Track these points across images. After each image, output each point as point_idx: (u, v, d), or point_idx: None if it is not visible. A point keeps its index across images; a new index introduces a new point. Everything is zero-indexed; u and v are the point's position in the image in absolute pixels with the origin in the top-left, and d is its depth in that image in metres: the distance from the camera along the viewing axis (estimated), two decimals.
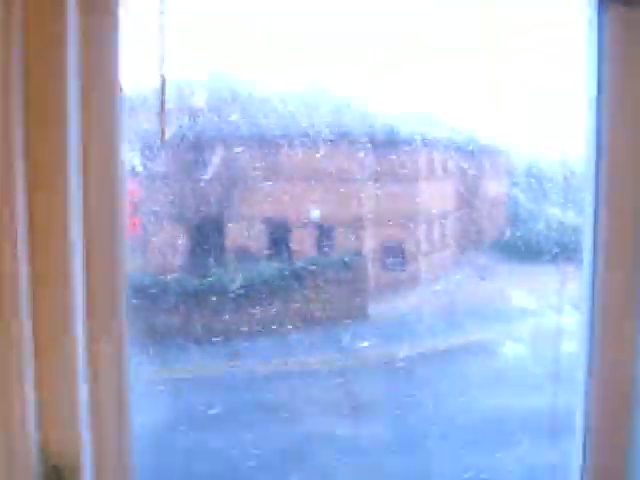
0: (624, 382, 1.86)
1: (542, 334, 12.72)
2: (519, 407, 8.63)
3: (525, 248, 17.86)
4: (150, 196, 13.06)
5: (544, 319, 13.65)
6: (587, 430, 1.95)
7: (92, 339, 2.28)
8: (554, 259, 16.48)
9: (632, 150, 2.00)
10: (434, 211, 17.58)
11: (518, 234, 19.79)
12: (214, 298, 11.63)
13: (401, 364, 10.74)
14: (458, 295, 15.07)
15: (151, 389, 8.66)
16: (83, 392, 2.24)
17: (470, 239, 19.92)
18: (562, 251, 17.08)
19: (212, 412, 8.44)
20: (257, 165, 14.26)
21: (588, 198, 2.14)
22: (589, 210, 2.10)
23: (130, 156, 9.39)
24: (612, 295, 1.94)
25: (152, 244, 13.96)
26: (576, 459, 2.05)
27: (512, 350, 11.73)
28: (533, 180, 23.72)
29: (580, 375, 2.16)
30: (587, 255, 2.17)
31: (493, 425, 7.92)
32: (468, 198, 20.17)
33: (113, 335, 2.13)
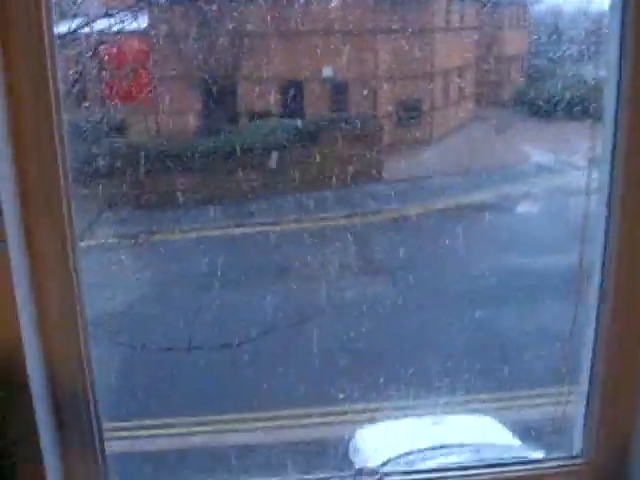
0: None
1: (561, 192, 12.66)
2: (534, 266, 8.67)
3: (544, 104, 17.50)
4: (160, 57, 12.75)
5: (563, 177, 13.55)
6: (603, 293, 1.91)
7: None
8: (574, 116, 16.08)
9: None
10: (451, 65, 17.13)
11: (537, 90, 19.37)
12: (228, 159, 11.58)
13: (416, 222, 10.78)
14: (474, 151, 14.94)
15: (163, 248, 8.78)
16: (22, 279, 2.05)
17: (487, 94, 19.49)
18: (582, 108, 16.66)
19: (225, 271, 8.56)
20: (267, 21, 13.81)
21: (613, 52, 2.00)
22: (613, 65, 1.97)
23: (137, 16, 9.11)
24: (635, 155, 1.85)
25: (165, 107, 13.78)
26: (590, 323, 2.03)
27: (529, 208, 11.69)
28: (554, 35, 22.85)
29: (600, 235, 2.11)
30: (609, 112, 2.06)
31: (510, 283, 7.97)
32: (486, 52, 19.57)
33: (53, 216, 1.95)
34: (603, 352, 1.94)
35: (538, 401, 6.16)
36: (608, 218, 1.93)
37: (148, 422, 6.82)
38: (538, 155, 14.52)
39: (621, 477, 2.05)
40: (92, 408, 2.02)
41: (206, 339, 6.64)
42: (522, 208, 11.74)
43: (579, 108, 17.68)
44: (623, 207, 1.85)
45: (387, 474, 2.21)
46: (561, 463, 2.15)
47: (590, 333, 2.01)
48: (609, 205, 1.94)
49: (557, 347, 6.10)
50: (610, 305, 1.88)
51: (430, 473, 2.15)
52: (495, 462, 2.13)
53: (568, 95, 18.99)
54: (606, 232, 1.95)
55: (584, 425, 2.09)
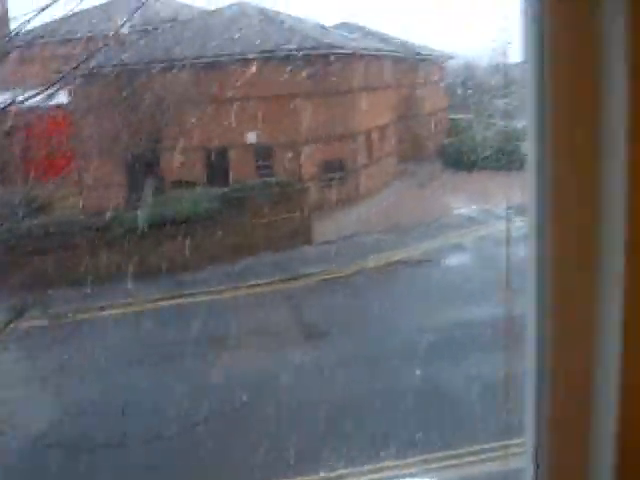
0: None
1: (486, 242, 12.88)
2: (470, 318, 8.72)
3: (465, 156, 17.85)
4: (81, 131, 12.63)
5: (487, 227, 13.79)
6: (539, 339, 1.87)
7: None
8: (494, 166, 16.45)
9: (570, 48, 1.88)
10: (372, 124, 17.41)
11: (457, 143, 19.70)
12: (155, 230, 11.44)
13: (348, 282, 10.77)
14: (400, 207, 15.10)
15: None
16: None
17: (410, 150, 19.81)
18: (501, 159, 17.05)
19: (155, 346, 8.39)
20: (188, 91, 13.82)
21: (530, 104, 2.01)
22: (533, 117, 1.99)
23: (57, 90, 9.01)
24: (563, 198, 1.84)
25: (87, 181, 13.58)
26: (530, 365, 1.96)
27: (457, 260, 11.86)
28: (469, 90, 23.35)
29: (528, 283, 2.07)
30: (532, 160, 2.06)
31: (447, 337, 8.01)
32: (406, 109, 19.93)
33: None
34: (547, 407, 1.90)
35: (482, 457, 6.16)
36: (539, 266, 1.91)
37: None
38: (461, 207, 14.83)
39: None
40: None
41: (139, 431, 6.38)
42: (450, 260, 11.90)
43: (498, 159, 18.09)
44: (553, 254, 1.84)
45: None
46: None
47: (531, 386, 1.96)
48: (539, 252, 1.92)
49: (497, 401, 6.15)
50: (551, 351, 1.84)
51: None
52: None
53: (487, 147, 19.48)
54: (538, 280, 1.92)
55: None
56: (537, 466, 2.00)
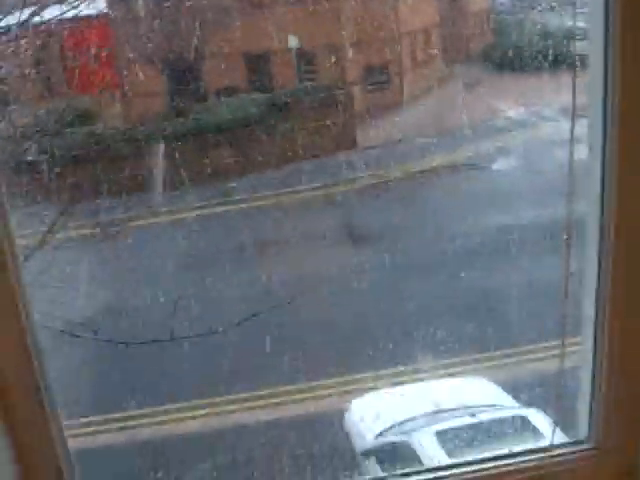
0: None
1: (535, 144, 12.64)
2: (516, 223, 8.62)
3: (512, 58, 17.38)
4: (123, 40, 12.51)
5: (535, 129, 13.52)
6: (602, 238, 1.80)
7: None
8: (542, 68, 16.05)
9: None
10: (416, 26, 16.96)
11: (504, 44, 19.17)
12: (200, 139, 11.43)
13: (395, 187, 10.69)
14: (446, 111, 14.84)
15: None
16: None
17: (455, 52, 19.35)
18: (549, 60, 16.63)
19: (209, 251, 8.44)
20: None
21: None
22: (598, 16, 1.87)
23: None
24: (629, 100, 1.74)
25: (131, 90, 13.56)
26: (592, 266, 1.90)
27: (505, 163, 11.64)
28: None
29: (589, 183, 2.00)
30: (597, 57, 1.96)
31: (499, 242, 7.92)
32: (450, 10, 19.41)
33: None
34: (609, 307, 1.85)
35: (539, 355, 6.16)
36: (603, 165, 1.83)
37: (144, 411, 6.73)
38: (508, 109, 14.47)
39: (634, 462, 1.94)
40: (47, 407, 1.90)
41: (194, 323, 6.55)
42: (499, 164, 11.67)
43: (546, 60, 17.67)
44: (620, 153, 1.75)
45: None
46: (568, 450, 2.04)
47: (591, 286, 1.91)
48: (604, 151, 1.84)
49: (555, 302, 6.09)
50: (613, 250, 1.78)
51: (436, 472, 2.07)
52: (502, 454, 2.04)
53: (534, 48, 18.96)
54: (602, 178, 1.84)
55: (591, 404, 1.95)
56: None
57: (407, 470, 2.10)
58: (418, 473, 2.03)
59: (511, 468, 1.94)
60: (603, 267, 1.83)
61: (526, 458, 1.97)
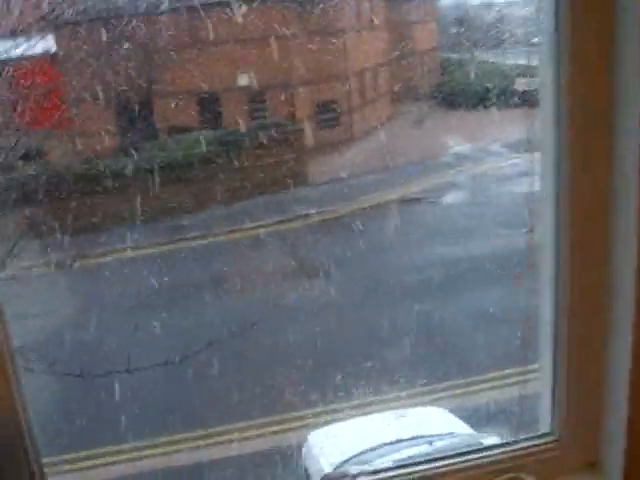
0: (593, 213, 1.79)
1: (482, 179, 12.90)
2: (468, 254, 8.76)
3: (458, 95, 17.82)
4: (70, 78, 12.46)
5: (483, 164, 13.80)
6: (557, 268, 1.88)
7: None
8: (488, 104, 16.46)
9: None
10: (365, 64, 17.27)
11: (450, 81, 19.65)
12: (151, 176, 11.40)
13: (346, 222, 10.79)
14: (395, 147, 15.07)
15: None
16: None
17: (403, 89, 19.72)
18: (496, 96, 17.05)
19: (160, 288, 8.40)
20: (178, 34, 13.66)
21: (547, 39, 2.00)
22: (548, 54, 1.97)
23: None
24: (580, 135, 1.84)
25: (81, 128, 13.49)
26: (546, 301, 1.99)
27: (453, 197, 11.84)
28: (462, 28, 23.27)
29: (543, 213, 2.08)
30: (546, 98, 2.06)
31: (451, 273, 8.02)
32: (398, 48, 19.82)
33: None
34: (564, 327, 1.93)
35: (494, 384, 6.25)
36: (557, 197, 1.92)
37: (95, 451, 6.61)
38: (456, 145, 14.75)
39: (595, 453, 2.04)
40: (29, 446, 1.89)
41: (146, 358, 6.48)
42: (446, 198, 11.87)
43: (491, 96, 18.12)
44: (572, 187, 1.85)
45: (355, 476, 2.17)
46: (532, 443, 2.13)
47: (547, 310, 2.00)
48: (558, 185, 1.93)
49: (512, 329, 6.21)
50: (568, 280, 1.86)
51: (398, 469, 2.10)
52: (468, 449, 2.10)
53: (480, 85, 19.43)
54: (556, 211, 1.93)
55: (552, 401, 2.06)
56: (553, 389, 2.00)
57: (377, 468, 2.16)
58: (388, 470, 2.07)
59: (478, 462, 2.00)
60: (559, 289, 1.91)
61: (492, 452, 2.04)
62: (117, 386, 5.98)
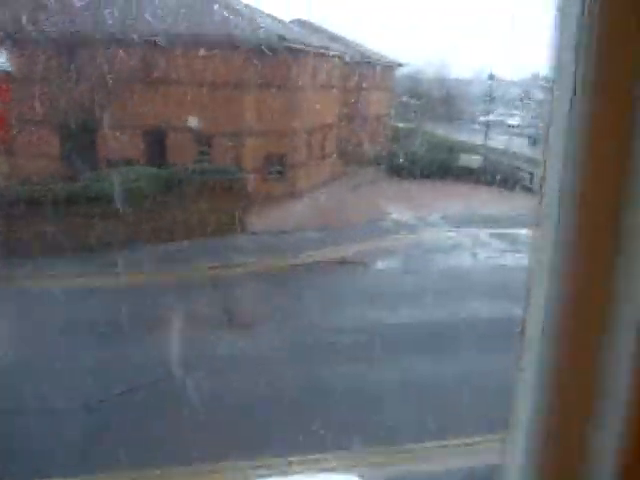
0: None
1: (417, 248, 13.04)
2: (396, 320, 8.81)
3: (404, 164, 18.07)
4: (22, 99, 12.27)
5: (420, 234, 13.97)
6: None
7: None
8: (433, 176, 16.70)
9: None
10: (317, 122, 17.45)
11: (399, 149, 19.92)
12: (87, 206, 11.21)
13: (279, 276, 10.77)
14: (336, 207, 15.16)
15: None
16: None
17: (351, 152, 19.94)
18: (442, 169, 17.33)
19: (82, 324, 8.18)
20: (134, 68, 13.60)
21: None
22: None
23: None
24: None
25: (22, 150, 13.24)
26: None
27: (387, 263, 11.97)
28: (414, 99, 23.70)
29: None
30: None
31: (376, 337, 8.03)
32: (351, 111, 20.06)
33: None
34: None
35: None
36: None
37: None
38: (396, 212, 14.97)
39: None
40: None
41: (63, 399, 6.25)
42: (381, 264, 11.99)
43: (437, 169, 18.36)
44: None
45: None
46: None
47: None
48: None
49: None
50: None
51: None
52: None
53: (427, 156, 19.77)
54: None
55: None
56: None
57: None
58: None
59: None
60: None
61: None
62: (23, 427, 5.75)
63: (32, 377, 6.61)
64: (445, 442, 6.16)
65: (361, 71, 20.23)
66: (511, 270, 11.49)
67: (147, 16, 14.75)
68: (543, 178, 1.20)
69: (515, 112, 31.83)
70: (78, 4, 11.42)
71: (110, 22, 13.42)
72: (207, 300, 10.33)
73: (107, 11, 13.99)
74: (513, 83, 35.66)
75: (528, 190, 19.20)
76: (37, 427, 5.67)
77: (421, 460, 5.91)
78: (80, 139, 13.19)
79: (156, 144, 14.36)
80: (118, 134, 14.42)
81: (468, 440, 5.99)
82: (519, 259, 12.65)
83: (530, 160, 21.47)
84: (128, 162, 12.97)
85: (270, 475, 5.59)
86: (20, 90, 12.08)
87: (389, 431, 6.14)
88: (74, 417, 6.04)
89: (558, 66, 1.12)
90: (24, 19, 11.43)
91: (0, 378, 6.65)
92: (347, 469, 5.61)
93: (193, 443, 5.69)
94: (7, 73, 11.47)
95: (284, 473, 5.56)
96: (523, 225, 14.89)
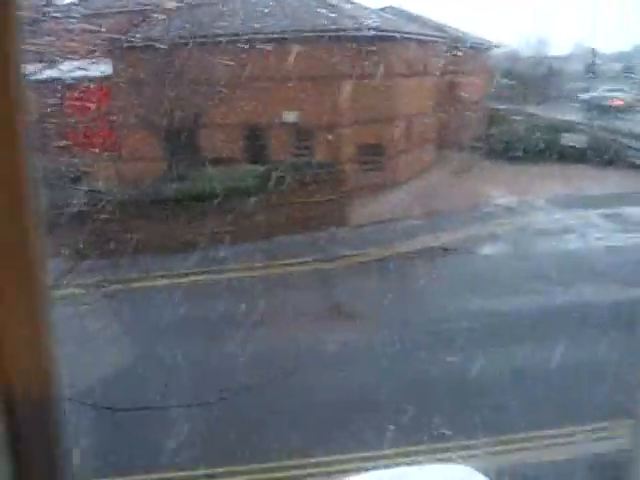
0: None
1: (524, 233, 12.74)
2: (503, 308, 8.62)
3: (505, 147, 17.66)
4: (122, 104, 12.61)
5: (525, 218, 13.65)
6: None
7: None
8: (535, 159, 16.25)
9: None
10: (413, 110, 17.27)
11: (498, 133, 19.53)
12: (194, 205, 11.45)
13: (383, 266, 10.70)
14: (437, 194, 14.98)
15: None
16: None
17: (450, 138, 19.65)
18: (544, 151, 16.83)
19: (196, 319, 8.34)
20: (231, 67, 13.78)
21: None
22: None
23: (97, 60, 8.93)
24: None
25: (128, 153, 13.62)
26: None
27: (492, 249, 11.72)
28: (512, 80, 23.22)
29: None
30: None
31: (484, 327, 7.88)
32: (448, 97, 19.80)
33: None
34: None
35: None
36: None
37: None
38: (500, 197, 14.65)
39: None
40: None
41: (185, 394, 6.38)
42: (484, 249, 11.72)
43: (539, 151, 17.85)
44: None
45: None
46: None
47: None
48: None
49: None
50: None
51: None
52: None
53: (528, 138, 19.26)
54: None
55: None
56: None
57: None
58: None
59: None
60: None
61: None
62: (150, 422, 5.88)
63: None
64: None
65: (456, 55, 19.87)
66: (624, 251, 11.12)
67: (240, 14, 14.96)
68: None
69: (618, 87, 30.64)
70: (171, 5, 11.64)
71: (205, 21, 13.67)
72: (314, 293, 10.38)
73: (201, 11, 14.24)
74: (614, 57, 34.35)
75: (637, 168, 18.45)
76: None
77: None
78: (183, 140, 13.48)
79: (256, 142, 14.52)
80: (219, 134, 14.66)
81: None
82: (630, 239, 12.20)
83: (637, 137, 20.60)
84: (230, 160, 13.17)
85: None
86: (123, 95, 12.43)
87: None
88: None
89: None
90: (122, 28, 11.78)
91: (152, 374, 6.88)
92: None
93: None
94: (109, 79, 11.85)
95: None
96: (633, 204, 14.34)
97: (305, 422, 6.25)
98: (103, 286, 9.21)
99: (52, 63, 7.95)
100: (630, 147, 18.91)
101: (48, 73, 7.60)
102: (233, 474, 5.93)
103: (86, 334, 6.98)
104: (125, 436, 6.07)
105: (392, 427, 5.90)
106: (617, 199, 14.25)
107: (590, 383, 6.34)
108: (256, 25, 14.23)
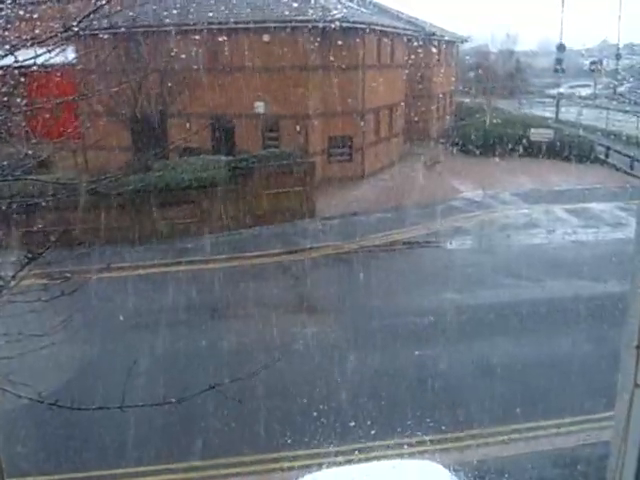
0: None
1: (490, 226, 12.72)
2: (470, 302, 8.61)
3: (472, 140, 17.67)
4: (89, 92, 12.38)
5: (492, 211, 13.64)
6: None
7: None
8: (502, 152, 16.27)
9: None
10: (382, 102, 17.24)
11: (465, 126, 19.52)
12: (159, 196, 11.27)
13: (350, 259, 10.64)
14: (405, 187, 14.92)
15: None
16: None
17: (417, 130, 19.63)
18: (510, 144, 16.81)
19: (158, 311, 8.23)
20: (198, 56, 13.57)
21: None
22: None
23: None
24: None
25: (91, 142, 13.38)
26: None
27: (459, 242, 11.69)
28: (480, 74, 23.25)
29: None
30: None
31: (451, 320, 7.85)
32: (416, 89, 19.76)
33: None
34: None
35: None
36: None
37: None
38: (466, 190, 14.66)
39: None
40: None
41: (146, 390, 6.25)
42: (453, 243, 11.69)
43: (506, 144, 17.95)
44: None
45: None
46: None
47: None
48: None
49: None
50: None
51: None
52: None
53: (495, 132, 19.34)
54: None
55: None
56: None
57: None
58: None
59: None
60: None
61: None
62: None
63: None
64: None
65: (426, 48, 19.90)
66: (589, 246, 11.18)
67: (208, 3, 14.79)
68: None
69: (585, 83, 30.91)
70: None
71: (173, 9, 13.48)
72: (280, 285, 10.27)
73: (171, 0, 14.05)
74: (581, 53, 34.68)
75: (602, 163, 18.62)
76: None
77: None
78: (149, 130, 13.29)
79: (224, 131, 14.36)
80: (187, 124, 14.49)
81: None
82: (597, 234, 12.27)
83: (604, 133, 20.76)
84: (198, 150, 12.98)
85: None
86: (88, 84, 12.18)
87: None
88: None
89: None
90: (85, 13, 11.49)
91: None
92: None
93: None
94: (74, 67, 11.54)
95: None
96: (599, 199, 14.44)
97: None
98: (63, 278, 9.02)
99: (13, 49, 7.76)
100: (597, 143, 19.08)
101: (8, 60, 7.42)
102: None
103: (43, 328, 6.84)
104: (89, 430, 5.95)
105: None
106: (583, 194, 14.36)
107: (552, 377, 6.35)
108: (226, 13, 14.08)
